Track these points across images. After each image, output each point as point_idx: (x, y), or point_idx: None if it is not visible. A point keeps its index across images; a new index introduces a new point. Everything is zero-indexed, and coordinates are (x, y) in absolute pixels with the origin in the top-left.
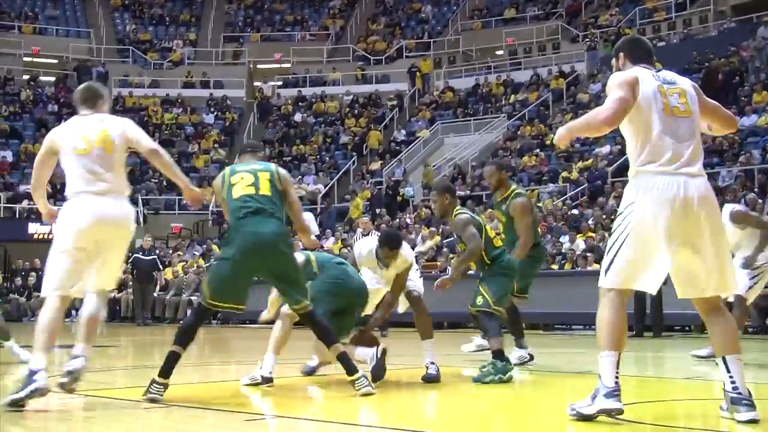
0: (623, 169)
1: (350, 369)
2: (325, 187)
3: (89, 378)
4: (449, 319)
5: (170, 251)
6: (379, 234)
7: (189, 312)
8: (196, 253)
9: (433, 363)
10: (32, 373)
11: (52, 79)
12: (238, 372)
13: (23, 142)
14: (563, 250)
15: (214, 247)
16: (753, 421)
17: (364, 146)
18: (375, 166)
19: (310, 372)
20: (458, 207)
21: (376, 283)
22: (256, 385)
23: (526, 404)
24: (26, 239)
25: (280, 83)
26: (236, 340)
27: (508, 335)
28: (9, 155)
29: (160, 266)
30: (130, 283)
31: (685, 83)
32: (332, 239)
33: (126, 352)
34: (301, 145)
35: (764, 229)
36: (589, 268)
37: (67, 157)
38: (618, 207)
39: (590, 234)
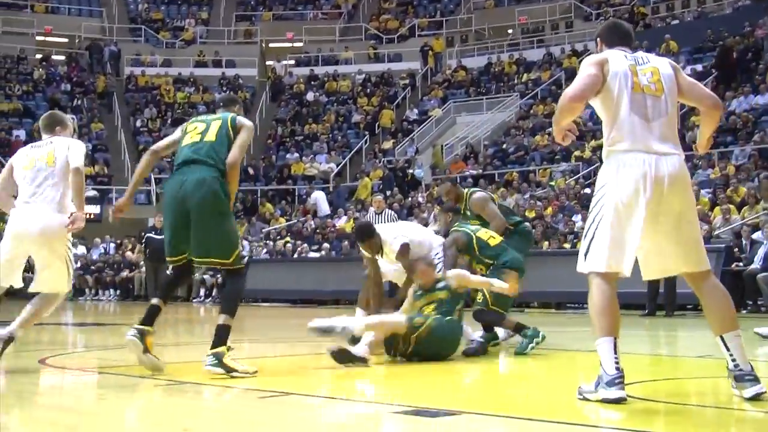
0: None
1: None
2: (337, 166)
3: (103, 356)
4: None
5: None
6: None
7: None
8: None
9: (474, 340)
10: None
11: (65, 58)
12: (251, 350)
13: (36, 122)
14: (575, 229)
15: None
16: (759, 394)
17: (377, 125)
18: (387, 145)
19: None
20: (458, 224)
21: (395, 268)
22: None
23: (538, 383)
24: None
25: (293, 62)
26: (250, 319)
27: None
28: (22, 134)
29: None
30: (143, 262)
31: (661, 63)
32: (344, 218)
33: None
34: (314, 124)
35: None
36: None
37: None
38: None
39: None
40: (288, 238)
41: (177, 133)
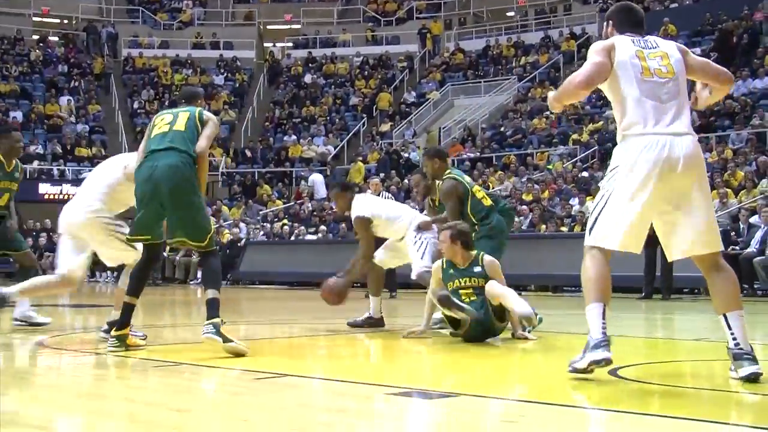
0: None
1: None
2: (335, 148)
3: (99, 336)
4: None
5: None
6: None
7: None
8: None
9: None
10: None
11: (62, 39)
12: (248, 332)
13: (33, 103)
14: (572, 213)
15: (224, 208)
16: (756, 375)
17: (374, 108)
18: (385, 127)
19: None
20: (448, 170)
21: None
22: None
23: (535, 365)
24: (37, 199)
25: (291, 44)
26: (246, 301)
27: None
28: (19, 116)
29: None
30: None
31: (669, 46)
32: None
33: (135, 312)
34: (311, 106)
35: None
36: None
37: None
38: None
39: None
40: (285, 221)
41: (145, 136)
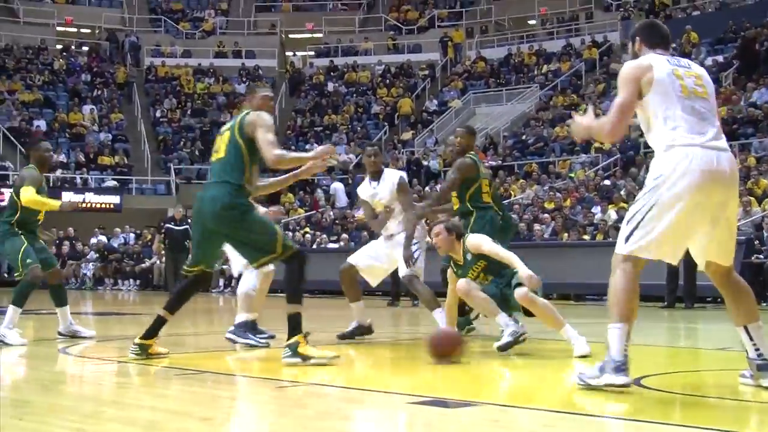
0: None
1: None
2: (357, 157)
3: (123, 345)
4: None
5: None
6: None
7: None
8: None
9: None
10: None
11: (86, 48)
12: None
13: (57, 112)
14: (594, 221)
15: None
16: None
17: (396, 116)
18: (406, 136)
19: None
20: (473, 153)
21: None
22: None
23: (554, 373)
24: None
25: (312, 53)
26: (267, 309)
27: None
28: (43, 125)
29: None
30: (163, 252)
31: (701, 69)
32: (362, 210)
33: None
34: (333, 115)
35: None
36: None
37: None
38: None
39: (622, 204)
40: (307, 229)
41: None
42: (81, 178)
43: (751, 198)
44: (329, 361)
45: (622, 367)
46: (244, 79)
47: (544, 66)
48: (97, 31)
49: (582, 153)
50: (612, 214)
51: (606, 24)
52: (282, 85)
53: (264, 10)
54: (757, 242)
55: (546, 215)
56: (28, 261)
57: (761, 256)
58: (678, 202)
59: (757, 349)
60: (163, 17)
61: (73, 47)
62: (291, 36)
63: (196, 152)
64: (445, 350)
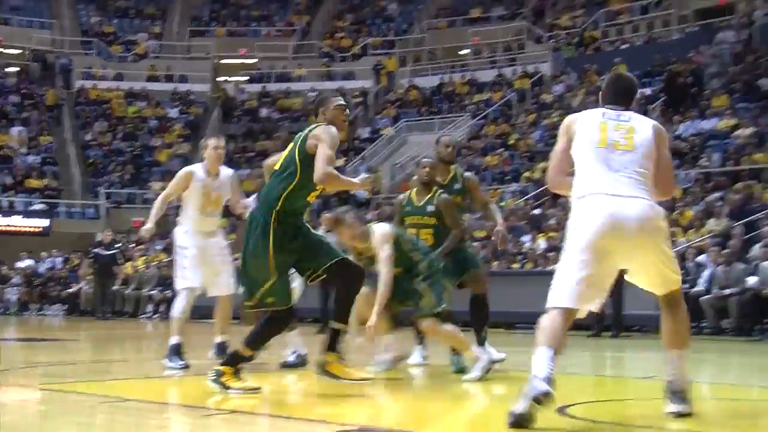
0: None
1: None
2: None
3: (46, 371)
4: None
5: (131, 245)
6: None
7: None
8: (158, 248)
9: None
10: None
11: (15, 69)
12: (198, 368)
13: None
14: (524, 250)
15: None
16: (682, 415)
17: None
18: (339, 163)
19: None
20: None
21: None
22: None
23: (492, 403)
24: None
25: (245, 78)
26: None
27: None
28: None
29: (121, 260)
30: (90, 277)
31: (644, 125)
32: None
33: (84, 346)
34: (266, 141)
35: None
36: (549, 268)
37: None
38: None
39: (552, 234)
40: (237, 255)
41: None
42: (8, 201)
43: (676, 229)
44: (250, 392)
45: (543, 379)
46: (176, 103)
47: (476, 95)
48: (26, 53)
49: (513, 182)
50: (541, 243)
51: (537, 55)
52: (214, 111)
53: (197, 35)
54: (682, 272)
55: (476, 244)
56: None
57: (686, 286)
58: (587, 250)
59: (673, 374)
60: (95, 39)
61: (1, 68)
62: (224, 61)
63: (127, 176)
64: None
